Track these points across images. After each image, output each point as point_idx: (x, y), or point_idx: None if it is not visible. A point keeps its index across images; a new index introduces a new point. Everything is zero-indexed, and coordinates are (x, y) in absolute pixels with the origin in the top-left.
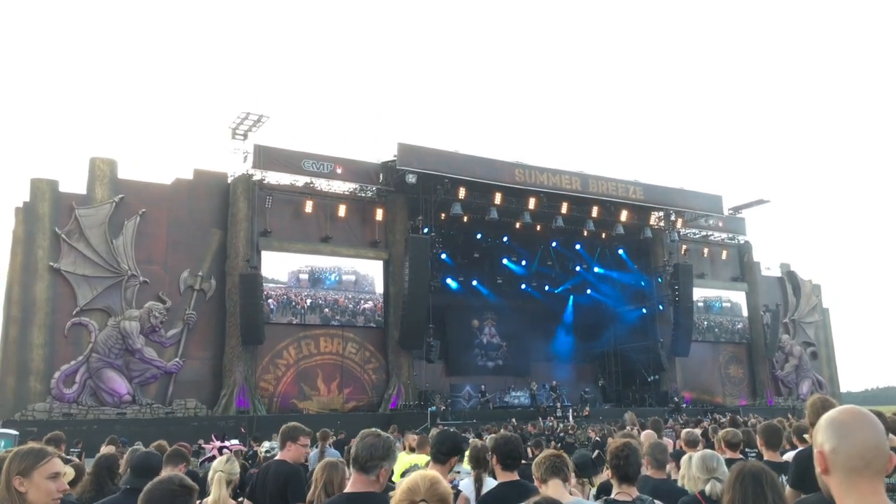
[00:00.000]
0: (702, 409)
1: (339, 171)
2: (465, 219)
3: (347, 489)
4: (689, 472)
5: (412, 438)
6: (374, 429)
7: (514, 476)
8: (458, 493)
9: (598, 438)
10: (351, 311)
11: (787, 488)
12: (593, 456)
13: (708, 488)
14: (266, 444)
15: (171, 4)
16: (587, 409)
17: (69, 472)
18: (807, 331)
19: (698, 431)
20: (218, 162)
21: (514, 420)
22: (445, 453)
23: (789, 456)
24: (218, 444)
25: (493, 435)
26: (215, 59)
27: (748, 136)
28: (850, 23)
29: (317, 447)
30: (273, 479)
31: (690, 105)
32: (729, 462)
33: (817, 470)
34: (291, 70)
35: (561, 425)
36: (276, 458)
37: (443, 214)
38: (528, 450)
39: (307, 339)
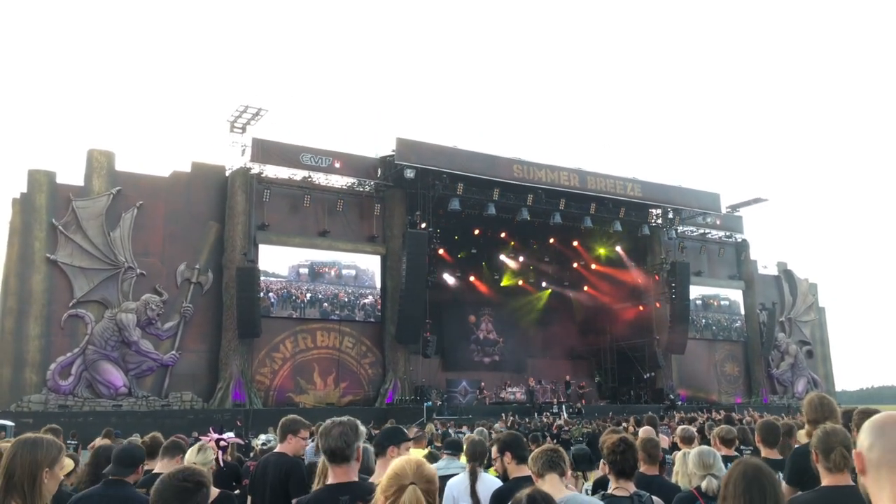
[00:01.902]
0: (697, 406)
1: (337, 165)
2: (463, 214)
3: (330, 481)
4: (684, 469)
5: (413, 432)
6: (331, 420)
7: (527, 471)
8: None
9: (588, 432)
10: (350, 306)
11: (784, 485)
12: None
13: (704, 484)
14: (262, 437)
15: None
16: (579, 404)
17: (68, 464)
18: (803, 329)
19: (694, 428)
20: (216, 155)
21: (506, 416)
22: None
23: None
24: (215, 436)
25: (480, 429)
26: (214, 51)
27: (746, 134)
28: (848, 23)
29: (313, 441)
30: (273, 471)
31: (689, 103)
32: (724, 459)
33: (858, 470)
34: (290, 63)
35: (558, 421)
36: (276, 450)
37: (441, 210)
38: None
39: (304, 332)
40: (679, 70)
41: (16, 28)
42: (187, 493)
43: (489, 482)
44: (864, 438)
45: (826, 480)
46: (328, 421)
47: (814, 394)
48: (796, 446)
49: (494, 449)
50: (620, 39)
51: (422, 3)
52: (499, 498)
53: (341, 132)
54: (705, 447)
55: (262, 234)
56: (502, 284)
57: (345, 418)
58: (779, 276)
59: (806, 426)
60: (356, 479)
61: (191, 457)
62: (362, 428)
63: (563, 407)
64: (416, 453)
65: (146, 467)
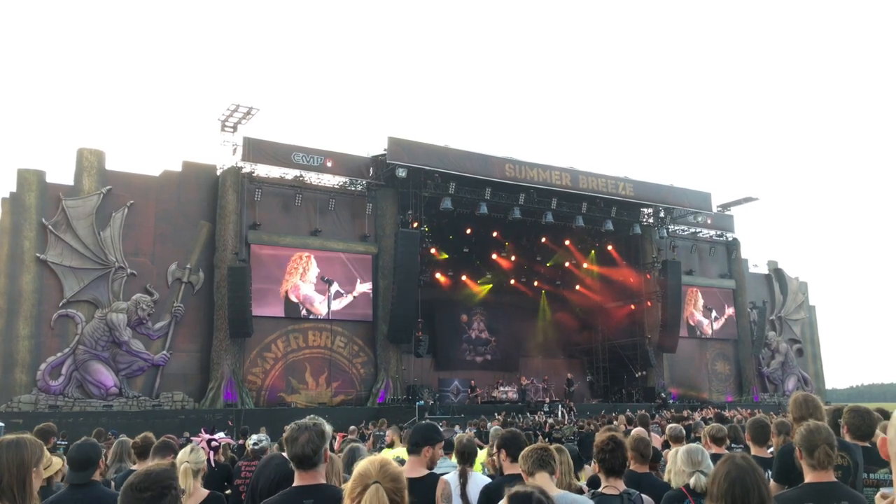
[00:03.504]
0: (689, 405)
1: (328, 164)
2: (455, 213)
3: (296, 484)
4: (675, 467)
5: (392, 435)
6: (296, 425)
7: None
8: (436, 477)
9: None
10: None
11: (771, 482)
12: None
13: (692, 481)
14: (254, 437)
15: None
16: (571, 402)
17: (56, 463)
18: (793, 328)
19: (681, 427)
20: (207, 154)
21: (500, 415)
22: (416, 444)
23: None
24: (206, 436)
25: (474, 428)
26: (205, 50)
27: (737, 134)
28: (840, 24)
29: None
30: (269, 474)
31: (681, 103)
32: (714, 457)
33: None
34: (282, 63)
35: (550, 420)
36: (285, 454)
37: (433, 209)
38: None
39: (295, 332)
40: (671, 70)
41: (6, 27)
42: (150, 502)
43: (479, 481)
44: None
45: (809, 477)
46: (293, 426)
47: (799, 393)
48: (783, 444)
49: (495, 445)
50: (613, 39)
51: (414, 3)
52: (487, 493)
53: (333, 131)
54: (693, 444)
55: (254, 233)
56: (494, 283)
57: (309, 423)
58: (769, 274)
59: (793, 425)
60: (323, 481)
61: (183, 456)
62: (328, 430)
63: (559, 406)
64: (401, 452)
65: (134, 467)
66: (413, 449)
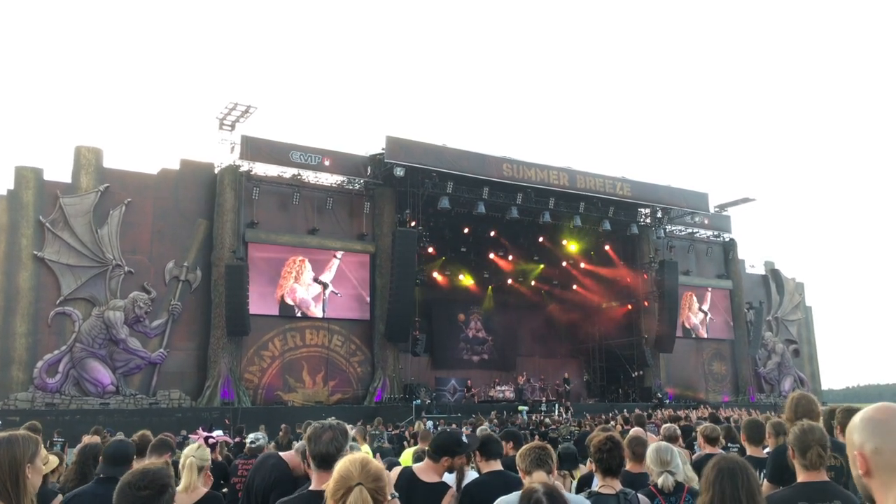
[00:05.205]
0: (685, 404)
1: (326, 163)
2: (453, 213)
3: (313, 487)
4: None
5: (356, 433)
6: (320, 424)
7: (498, 466)
8: (447, 487)
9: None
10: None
11: (765, 482)
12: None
13: (660, 481)
14: (251, 436)
15: None
16: (567, 402)
17: (53, 461)
18: (789, 328)
19: (676, 426)
20: (205, 152)
21: (495, 414)
22: (436, 452)
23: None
24: (204, 434)
25: (484, 426)
26: (203, 48)
27: (735, 134)
28: (836, 24)
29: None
30: (263, 474)
31: (678, 103)
32: (708, 457)
33: (858, 472)
34: (280, 61)
35: (548, 419)
36: (284, 454)
37: (430, 208)
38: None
39: (293, 331)
40: (669, 70)
41: (4, 25)
42: (148, 500)
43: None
44: (865, 439)
45: (802, 477)
46: (316, 424)
47: (796, 392)
48: (777, 445)
49: None
50: (611, 39)
51: (413, 3)
52: (468, 492)
53: (331, 130)
54: (662, 443)
55: (251, 231)
56: (491, 283)
57: (333, 422)
58: (766, 275)
59: (787, 425)
60: None
61: (189, 452)
62: (350, 431)
63: (557, 406)
64: (410, 453)
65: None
66: (433, 456)
